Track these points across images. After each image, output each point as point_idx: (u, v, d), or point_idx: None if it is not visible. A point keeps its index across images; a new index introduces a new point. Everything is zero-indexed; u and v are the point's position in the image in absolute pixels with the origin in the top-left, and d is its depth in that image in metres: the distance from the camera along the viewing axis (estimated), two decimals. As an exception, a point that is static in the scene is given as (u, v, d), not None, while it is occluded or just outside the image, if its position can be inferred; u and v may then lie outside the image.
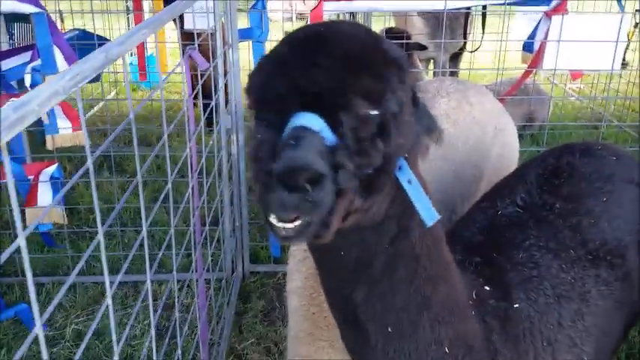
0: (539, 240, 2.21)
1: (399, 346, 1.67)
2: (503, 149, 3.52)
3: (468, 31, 6.84)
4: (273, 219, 1.25)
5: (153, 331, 2.03)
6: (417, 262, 1.60)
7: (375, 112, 1.29)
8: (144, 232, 1.84)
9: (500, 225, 2.32)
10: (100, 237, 1.47)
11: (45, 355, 1.15)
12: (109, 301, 1.55)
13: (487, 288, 1.95)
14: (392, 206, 1.49)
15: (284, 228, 1.25)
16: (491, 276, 2.01)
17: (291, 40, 1.39)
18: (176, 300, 2.49)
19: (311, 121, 1.23)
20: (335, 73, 1.26)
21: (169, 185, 2.15)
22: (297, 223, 1.23)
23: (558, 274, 2.12)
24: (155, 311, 3.28)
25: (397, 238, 1.55)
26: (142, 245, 1.90)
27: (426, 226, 1.51)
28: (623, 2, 4.91)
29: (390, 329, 1.64)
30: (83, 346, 1.48)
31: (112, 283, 1.57)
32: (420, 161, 1.56)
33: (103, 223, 1.43)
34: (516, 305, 1.96)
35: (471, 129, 3.31)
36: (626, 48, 8.09)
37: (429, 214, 1.48)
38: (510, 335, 1.90)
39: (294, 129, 1.22)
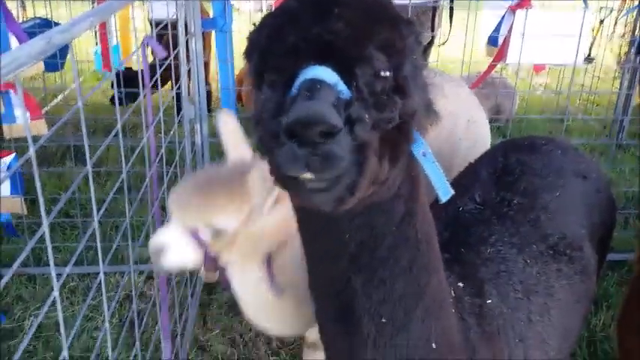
0: (503, 235, 2.21)
1: (391, 340, 1.58)
2: (474, 142, 3.55)
3: (436, 25, 6.85)
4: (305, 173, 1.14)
5: (107, 324, 2.01)
6: (417, 248, 1.53)
7: (390, 71, 1.22)
8: (95, 223, 1.81)
9: (464, 221, 2.31)
10: (45, 228, 1.44)
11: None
12: (55, 293, 1.52)
13: (461, 285, 1.92)
14: (402, 184, 1.43)
15: (311, 179, 1.13)
16: (463, 273, 1.99)
17: None
18: (133, 291, 2.46)
19: (325, 73, 1.14)
20: (353, 22, 1.19)
21: (124, 175, 2.12)
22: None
23: (525, 268, 2.12)
24: (114, 302, 3.24)
25: (403, 221, 1.48)
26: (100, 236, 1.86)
27: (440, 202, 1.45)
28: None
29: (384, 320, 1.55)
30: (30, 335, 1.46)
31: (59, 275, 1.55)
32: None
33: (65, 214, 1.40)
34: (489, 301, 1.94)
35: (444, 121, 3.32)
36: (592, 43, 8.22)
37: (444, 188, 1.43)
38: (486, 332, 1.87)
39: (307, 81, 1.13)
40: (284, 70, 1.21)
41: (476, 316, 1.87)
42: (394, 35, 1.23)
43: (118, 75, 5.93)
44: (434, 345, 1.62)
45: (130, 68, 6.64)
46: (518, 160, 2.55)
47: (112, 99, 6.71)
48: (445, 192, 1.43)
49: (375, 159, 1.19)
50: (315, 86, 1.11)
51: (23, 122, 3.15)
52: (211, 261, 2.42)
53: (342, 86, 1.14)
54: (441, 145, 3.28)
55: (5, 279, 1.30)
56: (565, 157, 2.62)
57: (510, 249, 2.16)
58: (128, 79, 5.07)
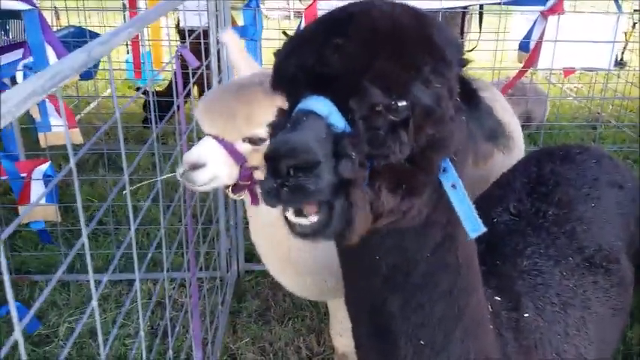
0: (539, 247, 2.18)
1: None
2: (510, 155, 3.52)
3: (465, 31, 6.82)
4: (289, 214, 1.17)
5: (141, 332, 2.01)
6: (458, 272, 1.50)
7: (394, 103, 1.17)
8: (132, 232, 1.82)
9: (499, 233, 2.27)
10: (84, 237, 1.45)
11: (23, 356, 1.14)
12: (94, 303, 1.53)
13: (498, 299, 1.89)
14: (435, 212, 1.38)
15: (299, 224, 1.15)
16: (500, 285, 1.96)
17: (321, 17, 1.31)
18: (167, 299, 2.48)
19: (318, 104, 1.14)
20: (349, 55, 1.16)
21: (159, 184, 2.14)
22: (314, 218, 1.13)
23: (561, 281, 2.09)
24: (149, 310, 3.26)
25: (441, 247, 1.45)
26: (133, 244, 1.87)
27: (468, 238, 1.39)
28: (620, 2, 4.89)
29: (422, 342, 1.53)
30: (70, 343, 1.48)
31: (99, 282, 1.57)
32: (481, 167, 1.42)
33: (99, 223, 1.41)
34: (526, 315, 1.92)
35: None
36: (624, 48, 8.09)
37: (473, 224, 1.35)
38: (523, 347, 1.85)
39: (298, 112, 1.15)
40: (289, 96, 1.25)
41: (513, 330, 1.84)
42: (399, 67, 1.18)
43: (149, 100, 6.08)
44: None
45: (157, 91, 6.78)
46: (552, 170, 2.51)
47: (144, 121, 6.84)
48: (474, 228, 1.35)
49: (363, 193, 1.16)
50: (301, 118, 1.12)
51: (64, 133, 3.20)
52: (246, 178, 2.33)
53: (336, 118, 1.14)
54: None
55: (48, 289, 1.31)
56: (600, 167, 2.57)
57: (547, 261, 2.12)
58: (158, 102, 5.22)
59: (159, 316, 4.00)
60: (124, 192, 1.75)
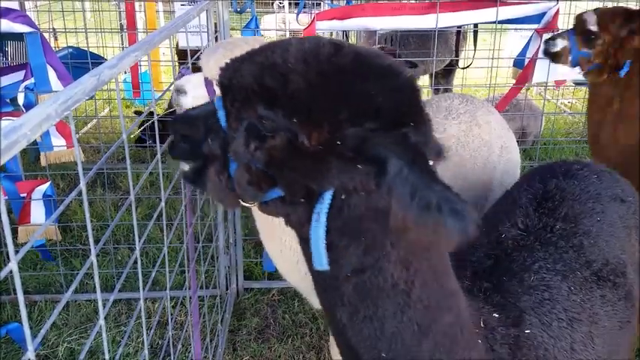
0: (547, 262, 2.18)
1: None
2: (508, 166, 3.59)
3: (460, 48, 6.89)
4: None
5: (146, 351, 2.02)
6: (407, 296, 1.44)
7: (262, 117, 1.36)
8: (137, 252, 1.84)
9: (507, 248, 2.27)
10: (93, 257, 1.47)
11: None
12: (101, 322, 1.54)
13: (496, 315, 1.87)
14: (330, 233, 1.36)
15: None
16: (503, 302, 1.94)
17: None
18: (169, 318, 2.48)
19: (218, 101, 1.47)
20: (231, 71, 1.44)
21: (163, 204, 2.15)
22: (186, 167, 1.57)
23: (569, 296, 2.08)
24: (149, 329, 3.26)
25: (361, 272, 1.40)
26: (135, 263, 1.89)
27: (314, 268, 1.38)
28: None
29: (384, 354, 1.51)
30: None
31: (105, 301, 1.58)
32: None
33: (96, 242, 1.43)
34: (527, 331, 1.89)
35: (479, 150, 3.41)
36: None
37: (318, 259, 1.36)
38: None
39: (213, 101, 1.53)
40: None
41: (510, 346, 1.81)
42: (248, 93, 1.38)
43: (146, 121, 6.08)
44: None
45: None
46: (557, 185, 2.54)
47: (138, 141, 6.82)
48: (318, 262, 1.36)
49: (215, 172, 1.47)
50: (206, 104, 1.57)
51: (65, 152, 3.23)
52: None
53: (220, 113, 1.46)
54: (478, 176, 3.33)
55: (58, 308, 1.33)
56: (601, 182, 2.61)
57: (554, 276, 2.12)
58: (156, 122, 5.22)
59: (158, 335, 4.00)
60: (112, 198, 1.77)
